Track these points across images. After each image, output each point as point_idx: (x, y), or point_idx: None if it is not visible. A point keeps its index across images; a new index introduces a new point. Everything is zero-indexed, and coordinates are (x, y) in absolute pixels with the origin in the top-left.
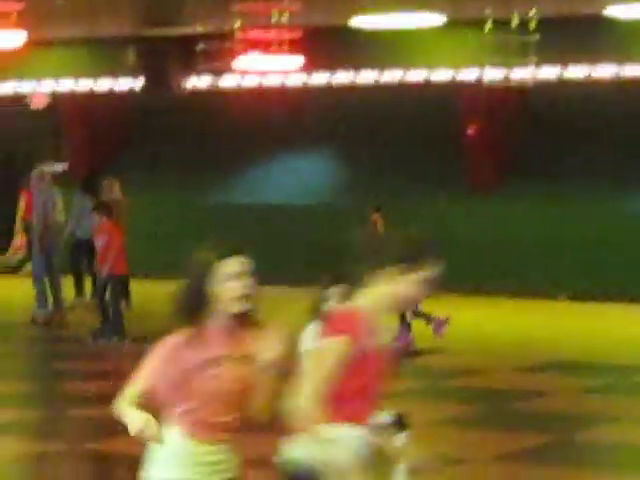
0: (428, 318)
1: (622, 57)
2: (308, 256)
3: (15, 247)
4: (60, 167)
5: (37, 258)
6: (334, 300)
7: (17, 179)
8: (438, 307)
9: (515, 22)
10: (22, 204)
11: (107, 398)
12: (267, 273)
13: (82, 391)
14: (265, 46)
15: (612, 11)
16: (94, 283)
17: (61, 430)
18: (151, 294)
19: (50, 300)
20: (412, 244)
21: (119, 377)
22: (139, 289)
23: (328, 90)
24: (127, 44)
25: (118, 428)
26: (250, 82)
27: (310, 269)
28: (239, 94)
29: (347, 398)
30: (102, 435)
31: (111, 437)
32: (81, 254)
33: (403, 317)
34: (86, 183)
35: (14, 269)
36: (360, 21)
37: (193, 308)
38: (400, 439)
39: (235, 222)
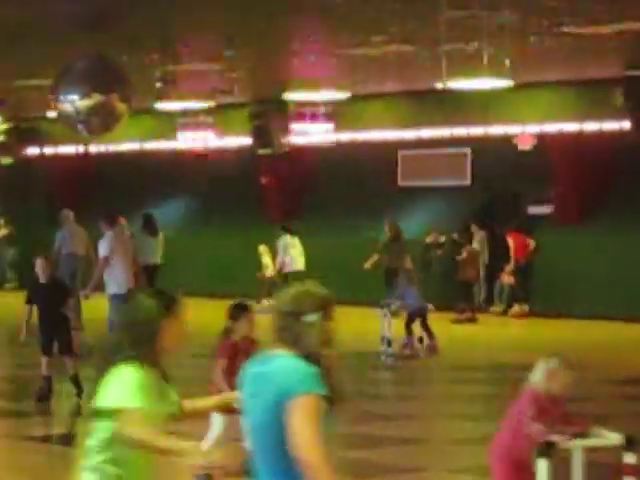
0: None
1: None
2: None
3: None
4: (547, 209)
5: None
6: None
7: (502, 219)
8: None
9: None
10: (512, 245)
11: None
12: None
13: None
14: None
15: None
16: None
17: None
18: None
19: None
20: None
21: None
22: None
23: None
24: (614, 85)
25: None
26: None
27: None
28: None
29: None
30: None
31: None
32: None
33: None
34: (146, 222)
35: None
36: None
37: None
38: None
39: None
